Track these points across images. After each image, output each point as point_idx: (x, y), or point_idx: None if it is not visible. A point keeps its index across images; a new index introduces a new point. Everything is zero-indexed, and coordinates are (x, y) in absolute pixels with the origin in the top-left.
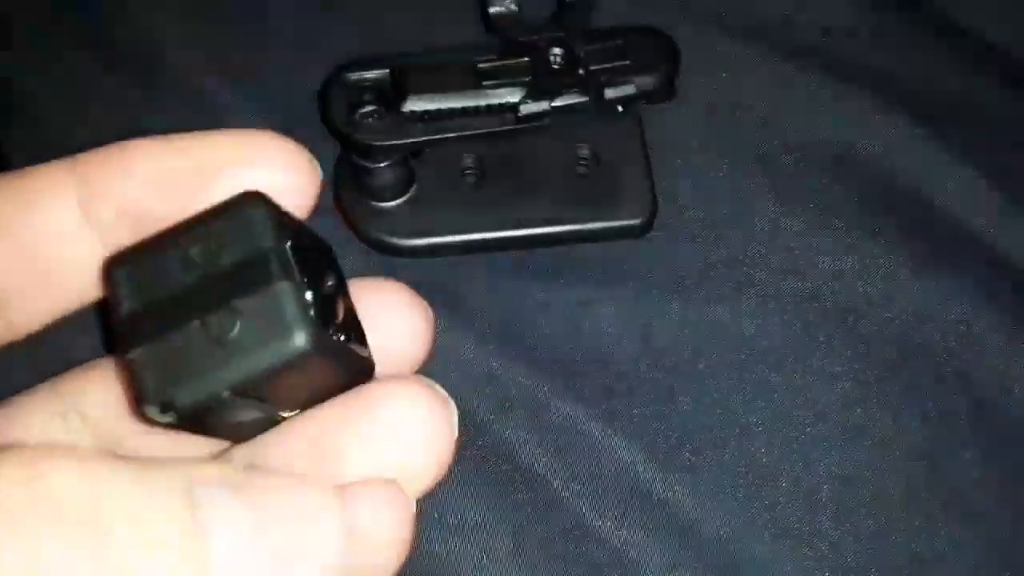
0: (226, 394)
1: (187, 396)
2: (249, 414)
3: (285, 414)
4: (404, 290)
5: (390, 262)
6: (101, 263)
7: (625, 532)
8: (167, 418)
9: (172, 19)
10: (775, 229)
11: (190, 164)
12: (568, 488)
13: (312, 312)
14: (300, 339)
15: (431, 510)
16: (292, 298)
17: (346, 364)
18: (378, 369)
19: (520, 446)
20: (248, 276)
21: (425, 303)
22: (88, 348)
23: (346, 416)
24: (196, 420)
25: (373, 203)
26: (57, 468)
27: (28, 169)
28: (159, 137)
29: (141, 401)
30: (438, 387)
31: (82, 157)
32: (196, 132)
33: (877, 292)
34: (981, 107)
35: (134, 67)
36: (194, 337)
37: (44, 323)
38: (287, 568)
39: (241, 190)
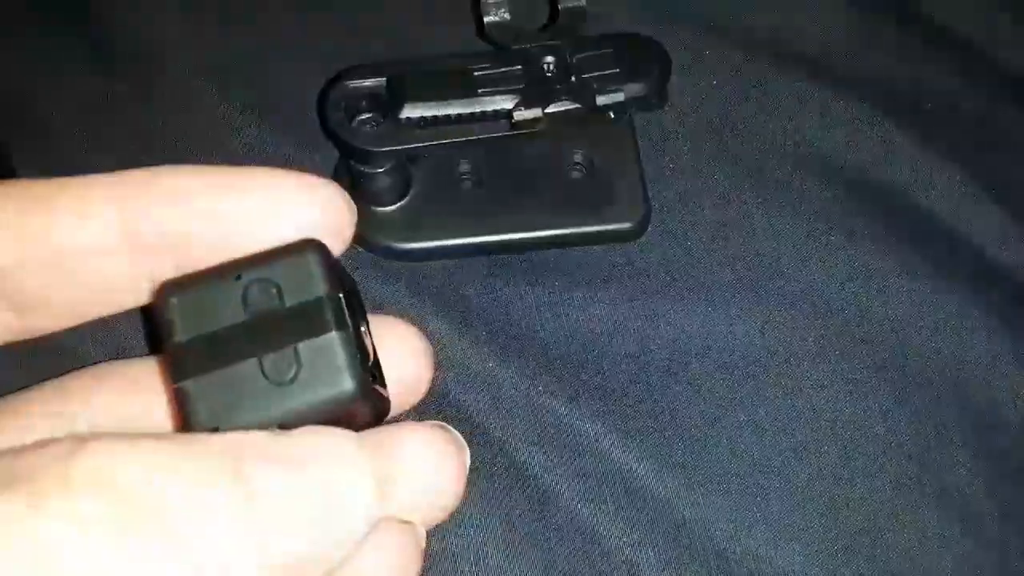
0: (273, 427)
1: (233, 426)
2: None
3: None
4: (413, 333)
5: (388, 265)
6: (147, 286)
7: (620, 529)
8: None
9: (174, 27)
10: (766, 233)
11: (241, 201)
12: (563, 485)
13: (360, 361)
14: (349, 384)
15: None
16: (344, 346)
17: (373, 405)
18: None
19: (515, 444)
20: (305, 321)
21: (429, 345)
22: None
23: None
24: None
25: (372, 208)
26: (116, 457)
27: (73, 179)
28: (210, 168)
29: (189, 428)
30: (452, 431)
31: (130, 176)
32: (246, 168)
33: (867, 294)
34: (969, 112)
35: (136, 75)
36: (248, 373)
37: (64, 327)
38: (327, 526)
39: (287, 233)
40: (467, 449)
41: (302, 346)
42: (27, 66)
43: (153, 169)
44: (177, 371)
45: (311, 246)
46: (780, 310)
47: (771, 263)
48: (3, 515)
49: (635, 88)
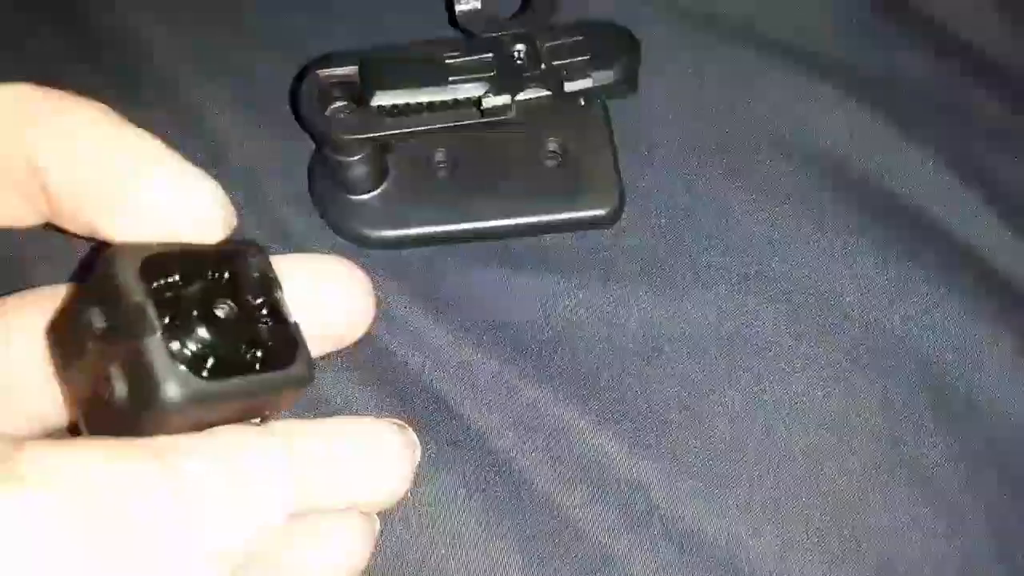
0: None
1: None
2: None
3: None
4: (343, 263)
5: (364, 253)
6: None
7: (593, 512)
8: None
9: (156, 17)
10: (740, 218)
11: (112, 162)
12: (538, 469)
13: (182, 361)
14: (172, 391)
15: None
16: (157, 351)
17: (254, 390)
18: (322, 339)
19: (491, 429)
20: (123, 334)
21: (365, 275)
22: None
23: None
24: None
25: (348, 196)
26: (58, 454)
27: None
28: (101, 115)
29: None
30: (406, 429)
31: (46, 96)
32: (135, 132)
33: (838, 279)
34: (942, 97)
35: (114, 64)
36: (102, 398)
37: None
38: (247, 513)
39: (153, 214)
40: (418, 447)
41: (127, 363)
42: (11, 59)
43: (54, 96)
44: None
45: (116, 252)
46: (752, 295)
47: (743, 248)
48: None
49: (604, 75)
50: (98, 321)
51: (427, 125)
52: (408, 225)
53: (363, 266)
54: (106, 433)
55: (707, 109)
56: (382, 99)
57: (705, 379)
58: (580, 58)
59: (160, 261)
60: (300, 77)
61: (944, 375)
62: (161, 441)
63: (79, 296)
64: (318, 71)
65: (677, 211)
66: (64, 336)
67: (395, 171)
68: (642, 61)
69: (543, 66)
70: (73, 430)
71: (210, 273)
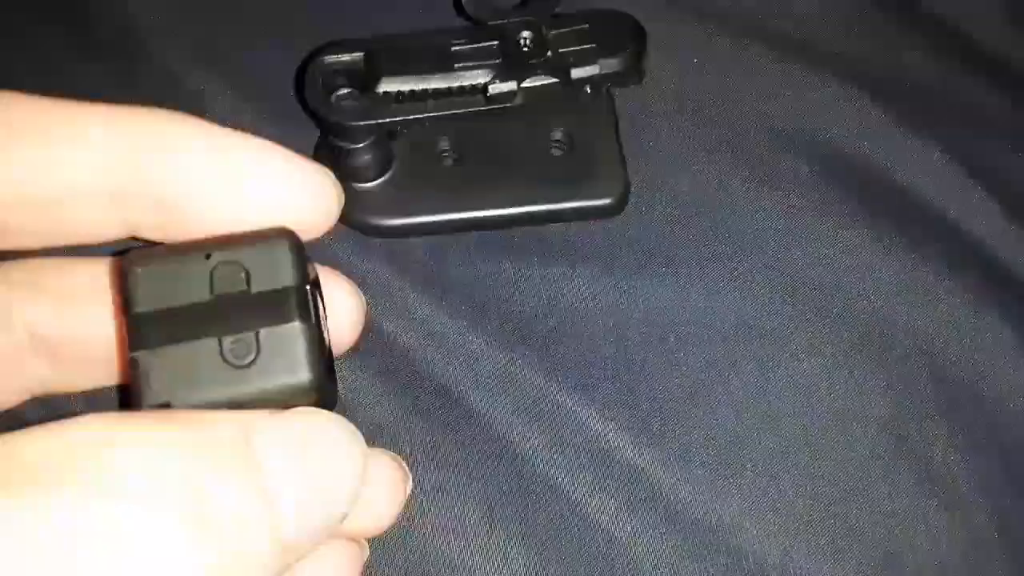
0: (223, 408)
1: (185, 402)
2: None
3: None
4: (339, 277)
5: (369, 241)
6: (118, 230)
7: (598, 500)
8: None
9: (156, 10)
10: (743, 209)
11: (235, 170)
12: (541, 457)
13: (318, 354)
14: (306, 376)
15: None
16: (306, 338)
17: (322, 398)
18: None
19: (494, 417)
20: (270, 308)
21: (358, 289)
22: None
23: None
24: None
25: (352, 184)
26: (124, 444)
27: (70, 108)
28: (209, 125)
29: (140, 398)
30: (402, 463)
31: (129, 115)
32: (245, 137)
33: (845, 269)
34: (947, 92)
35: (114, 54)
36: (206, 352)
37: (17, 248)
38: (328, 494)
39: (270, 212)
40: (410, 479)
41: (264, 332)
42: (10, 52)
43: (155, 112)
44: (134, 341)
45: (285, 235)
46: (757, 285)
47: (748, 238)
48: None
49: (610, 63)
50: (234, 283)
51: (432, 112)
52: (413, 213)
53: (367, 253)
54: (166, 377)
55: (712, 101)
56: (388, 85)
57: (709, 368)
58: (587, 46)
59: (302, 255)
60: (305, 64)
61: (949, 366)
62: (251, 423)
63: (205, 251)
64: (323, 57)
65: (681, 201)
66: (160, 278)
67: (400, 159)
68: (648, 51)
69: (549, 53)
70: (123, 388)
71: (312, 278)
